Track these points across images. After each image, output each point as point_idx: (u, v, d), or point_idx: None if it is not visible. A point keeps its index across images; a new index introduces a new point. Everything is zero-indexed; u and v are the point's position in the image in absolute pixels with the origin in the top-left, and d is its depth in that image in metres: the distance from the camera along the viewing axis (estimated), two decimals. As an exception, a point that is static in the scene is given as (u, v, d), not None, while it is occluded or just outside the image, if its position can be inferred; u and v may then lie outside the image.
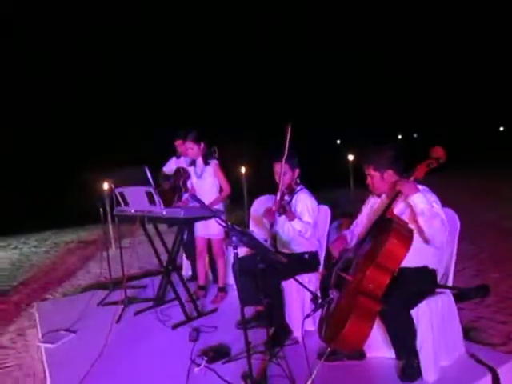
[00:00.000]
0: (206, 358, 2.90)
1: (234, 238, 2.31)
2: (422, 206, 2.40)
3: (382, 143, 2.66)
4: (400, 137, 40.65)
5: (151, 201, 3.42)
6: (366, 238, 2.54)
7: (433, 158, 2.51)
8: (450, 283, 2.67)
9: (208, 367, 2.84)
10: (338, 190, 11.26)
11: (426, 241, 2.45)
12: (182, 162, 4.54)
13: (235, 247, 2.38)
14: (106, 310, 4.06)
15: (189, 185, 4.49)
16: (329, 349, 2.48)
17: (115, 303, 4.08)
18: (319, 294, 2.72)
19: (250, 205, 4.34)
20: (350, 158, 11.01)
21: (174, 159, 4.62)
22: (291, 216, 3.09)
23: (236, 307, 3.79)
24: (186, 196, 4.52)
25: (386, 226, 2.42)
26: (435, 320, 2.47)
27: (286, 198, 3.08)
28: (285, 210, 3.05)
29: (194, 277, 4.61)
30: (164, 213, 3.41)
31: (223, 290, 4.16)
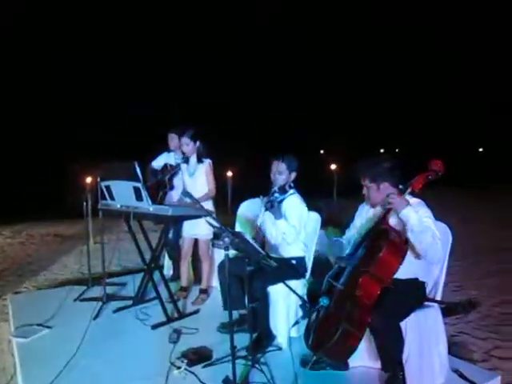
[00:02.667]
0: (186, 361, 2.83)
1: (225, 239, 2.25)
2: (412, 221, 2.38)
3: (377, 155, 2.66)
4: (382, 151, 41.16)
5: (138, 197, 3.34)
6: (360, 247, 2.52)
7: (432, 171, 2.51)
8: (438, 297, 2.67)
9: (188, 370, 2.77)
10: (321, 198, 11.30)
11: (419, 256, 2.43)
12: (171, 158, 4.47)
13: (226, 249, 2.32)
14: (84, 306, 3.94)
15: (175, 182, 4.42)
16: (314, 357, 2.44)
17: (93, 299, 3.98)
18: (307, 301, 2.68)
19: (233, 209, 4.26)
20: (333, 167, 11.10)
21: (164, 154, 4.55)
22: (277, 214, 3.05)
23: (218, 310, 3.75)
24: (170, 193, 4.45)
25: (381, 237, 2.40)
26: (423, 333, 2.46)
27: (277, 195, 3.04)
28: (272, 205, 3.02)
29: (176, 277, 4.53)
30: (151, 209, 3.33)
31: (205, 291, 4.08)
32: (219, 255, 4.24)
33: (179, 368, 2.78)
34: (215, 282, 4.28)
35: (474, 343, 3.53)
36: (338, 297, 2.42)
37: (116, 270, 5.55)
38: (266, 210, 3.06)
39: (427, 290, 2.66)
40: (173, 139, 4.41)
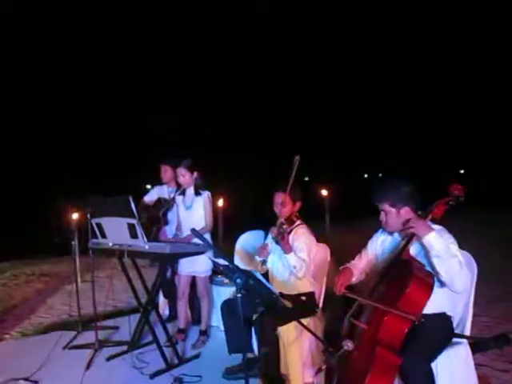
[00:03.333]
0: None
1: (238, 281, 2.02)
2: (437, 247, 2.20)
3: (395, 178, 2.49)
4: (366, 176, 41.54)
5: (133, 234, 3.11)
6: (381, 281, 2.31)
7: (452, 196, 2.33)
8: (467, 332, 2.46)
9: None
10: (313, 224, 11.10)
11: (446, 285, 2.24)
12: (165, 192, 4.25)
13: (239, 291, 2.08)
14: (74, 354, 3.66)
15: (169, 217, 4.20)
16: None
17: (84, 347, 3.68)
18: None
19: (225, 241, 4.00)
20: (324, 193, 10.91)
21: (157, 188, 4.32)
22: (288, 247, 2.85)
23: (220, 352, 3.49)
24: (164, 229, 4.22)
25: (405, 269, 2.20)
26: (455, 373, 2.25)
27: (285, 226, 2.83)
28: (283, 237, 2.80)
29: (172, 317, 4.24)
30: (147, 247, 3.09)
31: (205, 333, 3.80)
32: (217, 293, 4.01)
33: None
34: (214, 322, 4.02)
35: (496, 376, 3.30)
36: (362, 338, 2.19)
37: (107, 310, 5.22)
38: (277, 242, 2.83)
39: (454, 325, 2.46)
40: (166, 171, 4.21)
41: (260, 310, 2.46)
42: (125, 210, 3.03)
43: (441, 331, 2.32)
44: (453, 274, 2.17)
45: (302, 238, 2.96)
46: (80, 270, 7.30)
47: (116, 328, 4.17)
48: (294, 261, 2.85)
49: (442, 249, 2.19)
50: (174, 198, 3.98)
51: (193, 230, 2.22)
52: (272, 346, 2.76)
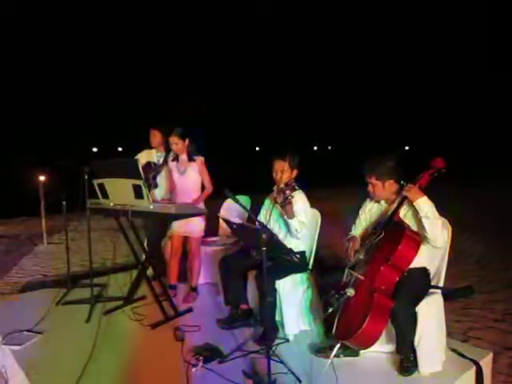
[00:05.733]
0: (202, 358, 2.83)
1: (264, 236, 2.29)
2: (427, 209, 2.58)
3: (382, 154, 2.84)
4: (315, 148, 42.71)
5: (138, 195, 3.27)
6: (375, 240, 2.68)
7: (434, 168, 2.71)
8: (441, 284, 2.90)
9: (205, 367, 2.78)
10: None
11: (429, 241, 2.63)
12: (153, 156, 4.39)
13: (265, 245, 2.34)
14: (67, 309, 3.83)
15: (157, 180, 4.35)
16: (338, 345, 2.58)
17: (79, 302, 3.84)
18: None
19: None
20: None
21: (145, 152, 4.44)
22: (291, 213, 3.08)
23: (211, 306, 3.80)
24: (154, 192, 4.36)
25: (397, 229, 2.58)
26: (432, 317, 2.67)
27: (288, 192, 2.95)
28: (290, 202, 2.97)
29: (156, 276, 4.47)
30: (151, 207, 3.27)
31: (195, 289, 4.07)
32: (204, 252, 4.28)
33: (196, 366, 2.77)
34: (203, 279, 4.29)
35: (451, 326, 3.80)
36: (360, 287, 2.56)
37: (81, 270, 5.39)
38: (283, 207, 3.04)
39: (431, 277, 2.89)
40: (155, 136, 4.34)
41: (269, 264, 2.73)
42: (132, 171, 3.17)
43: (423, 283, 2.74)
44: (437, 232, 2.58)
45: (300, 202, 3.22)
46: (37, 231, 7.36)
47: (103, 285, 4.32)
48: (297, 224, 3.12)
49: (429, 211, 2.58)
50: (164, 163, 4.14)
51: (231, 196, 2.38)
52: (273, 297, 3.07)
